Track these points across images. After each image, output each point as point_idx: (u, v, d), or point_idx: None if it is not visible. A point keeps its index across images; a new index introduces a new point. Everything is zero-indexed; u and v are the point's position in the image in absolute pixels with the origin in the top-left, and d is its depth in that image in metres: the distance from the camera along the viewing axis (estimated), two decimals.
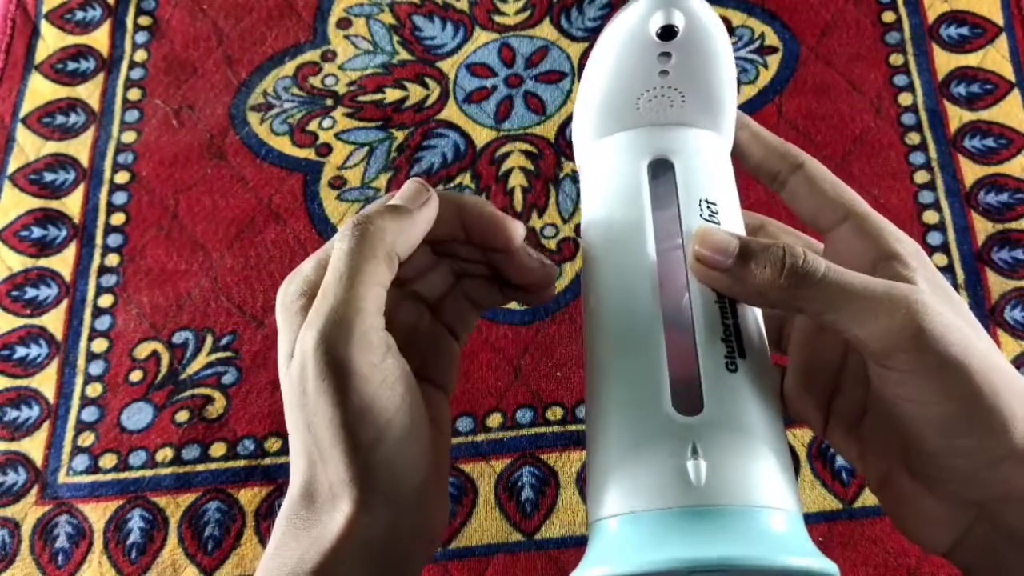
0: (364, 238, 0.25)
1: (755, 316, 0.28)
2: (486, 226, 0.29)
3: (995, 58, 0.63)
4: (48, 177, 0.64)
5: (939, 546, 0.27)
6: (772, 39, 0.65)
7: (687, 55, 0.28)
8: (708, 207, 0.28)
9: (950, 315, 0.25)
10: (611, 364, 0.27)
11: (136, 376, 0.57)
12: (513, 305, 0.58)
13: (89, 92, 0.67)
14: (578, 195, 0.61)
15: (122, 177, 0.64)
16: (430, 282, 0.31)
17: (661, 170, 0.30)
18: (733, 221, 0.29)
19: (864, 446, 0.30)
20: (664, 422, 0.25)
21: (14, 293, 0.61)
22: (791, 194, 0.31)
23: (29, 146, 0.65)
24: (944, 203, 0.59)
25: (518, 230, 0.29)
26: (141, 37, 0.69)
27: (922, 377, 0.24)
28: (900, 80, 0.63)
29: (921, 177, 0.60)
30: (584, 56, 0.66)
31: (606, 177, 0.30)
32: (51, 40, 0.69)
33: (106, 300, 0.60)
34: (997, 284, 0.56)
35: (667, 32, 0.27)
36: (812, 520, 0.51)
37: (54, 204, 0.63)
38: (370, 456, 0.25)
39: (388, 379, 0.25)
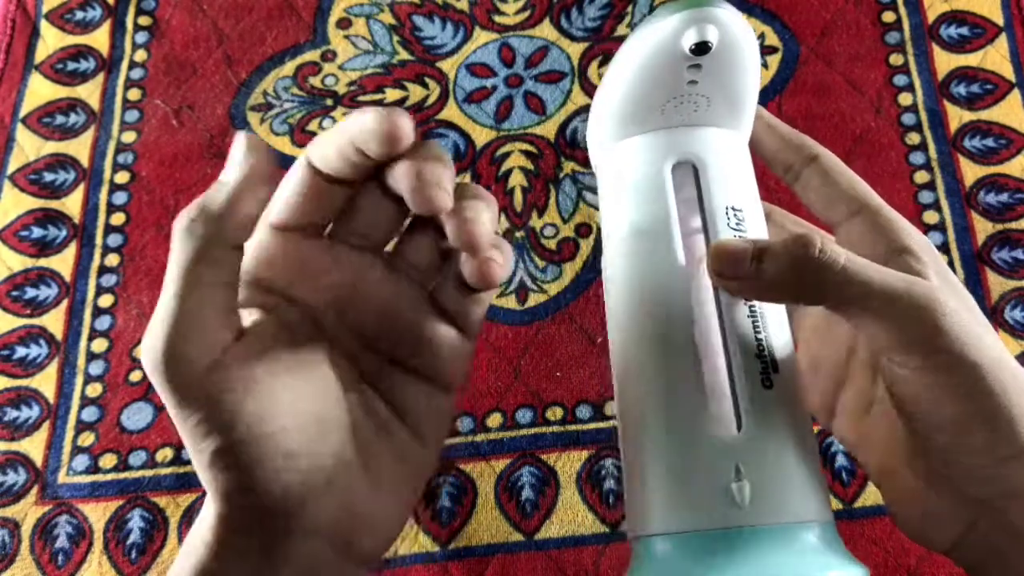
0: (186, 243, 0.23)
1: (784, 325, 0.28)
2: (369, 127, 0.24)
3: (995, 58, 0.63)
4: (48, 177, 0.64)
5: (941, 544, 0.27)
6: (772, 39, 0.65)
7: (718, 66, 0.28)
8: (735, 214, 0.28)
9: (965, 313, 0.25)
10: (646, 382, 0.27)
11: (136, 376, 0.57)
12: (513, 304, 0.58)
13: (89, 92, 0.67)
14: (578, 195, 0.61)
15: (122, 177, 0.64)
16: (416, 249, 0.28)
17: (685, 173, 0.29)
18: (758, 226, 0.29)
19: (868, 439, 0.30)
20: (705, 443, 0.25)
21: (14, 293, 0.61)
22: (804, 186, 0.31)
23: (29, 146, 0.65)
24: (944, 203, 0.59)
25: (400, 117, 0.24)
26: (141, 37, 0.69)
27: (934, 375, 0.24)
28: (900, 80, 0.63)
29: (921, 177, 0.60)
30: (584, 56, 0.66)
31: (629, 182, 0.30)
32: (51, 40, 0.69)
33: (106, 300, 0.60)
34: (997, 284, 0.56)
35: (701, 48, 0.27)
36: None
37: (54, 204, 0.63)
38: (216, 465, 0.24)
39: (222, 381, 0.24)
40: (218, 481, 0.24)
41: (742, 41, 0.28)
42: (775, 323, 0.27)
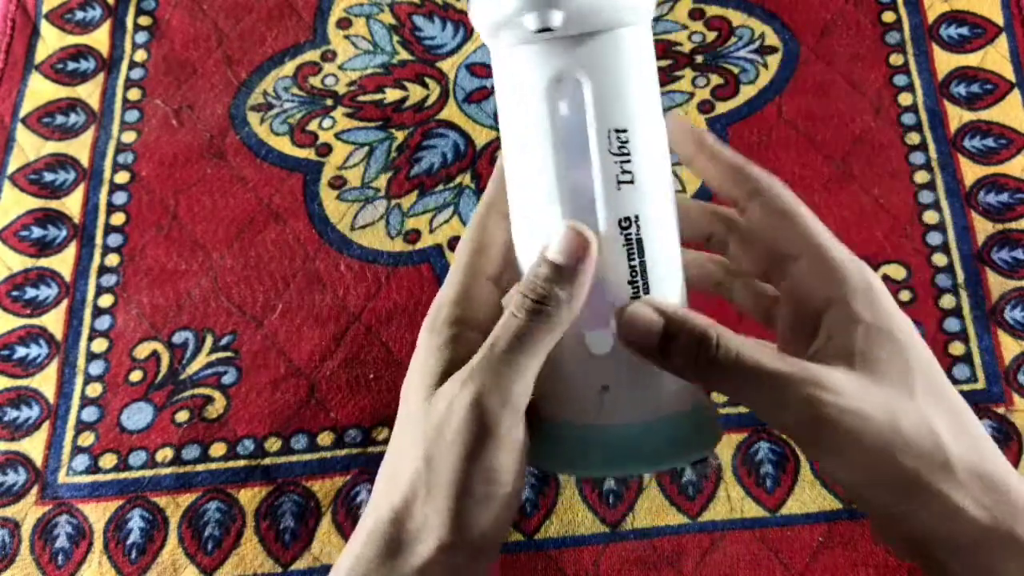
0: (537, 314, 0.27)
1: (666, 253, 0.29)
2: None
3: (995, 58, 0.63)
4: (48, 177, 0.64)
5: (906, 557, 0.29)
6: (772, 39, 0.65)
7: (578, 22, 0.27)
8: (617, 137, 0.28)
9: (852, 395, 0.26)
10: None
11: (136, 376, 0.57)
12: None
13: (89, 92, 0.67)
14: None
15: (122, 177, 0.64)
16: None
17: (572, 89, 0.28)
18: (647, 147, 0.28)
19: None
20: (582, 357, 0.29)
21: (14, 293, 0.61)
22: (750, 220, 0.31)
23: (29, 146, 0.65)
24: (944, 203, 0.59)
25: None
26: (141, 37, 0.69)
27: (826, 455, 0.27)
28: (900, 80, 0.63)
29: (921, 177, 0.60)
30: None
31: (511, 101, 0.29)
32: (51, 40, 0.69)
33: (106, 300, 0.60)
34: (997, 284, 0.56)
35: (544, 31, 0.27)
36: (812, 520, 0.51)
37: (54, 204, 0.63)
38: (474, 511, 0.27)
39: (515, 447, 0.27)
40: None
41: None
42: (653, 249, 0.29)
